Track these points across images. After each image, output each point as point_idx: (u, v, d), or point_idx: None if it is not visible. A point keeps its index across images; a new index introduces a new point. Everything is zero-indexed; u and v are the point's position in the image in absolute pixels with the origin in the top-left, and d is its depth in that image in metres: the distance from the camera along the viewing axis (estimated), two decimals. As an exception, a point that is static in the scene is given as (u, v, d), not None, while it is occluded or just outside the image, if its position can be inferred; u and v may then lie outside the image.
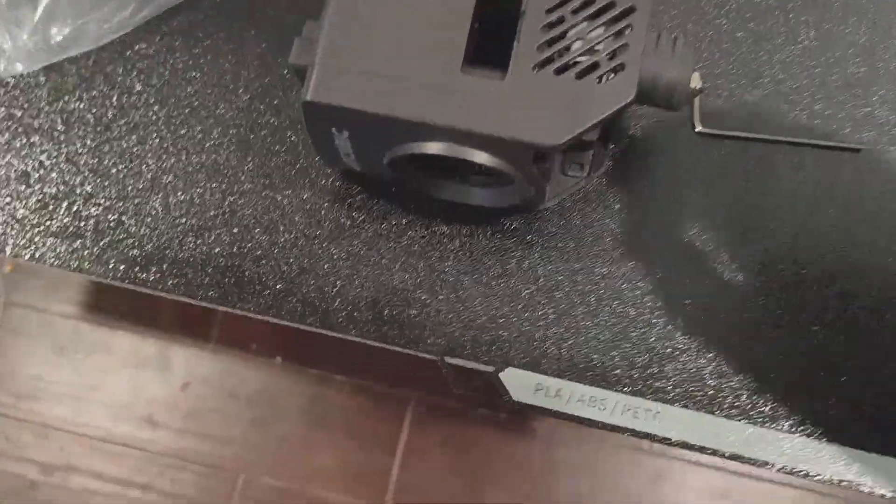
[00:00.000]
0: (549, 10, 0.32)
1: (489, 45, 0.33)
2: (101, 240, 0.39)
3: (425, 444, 0.85)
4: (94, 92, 0.42)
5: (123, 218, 0.39)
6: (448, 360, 0.37)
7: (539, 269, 0.38)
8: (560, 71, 0.31)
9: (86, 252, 0.39)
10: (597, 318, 0.37)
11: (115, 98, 0.41)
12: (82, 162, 0.40)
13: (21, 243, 0.39)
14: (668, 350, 0.37)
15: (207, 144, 0.41)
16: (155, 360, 0.88)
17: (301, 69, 0.34)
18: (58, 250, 0.39)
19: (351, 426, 0.86)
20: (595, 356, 0.37)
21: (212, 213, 0.39)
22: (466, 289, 0.38)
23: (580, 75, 0.31)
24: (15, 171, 0.40)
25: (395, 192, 0.39)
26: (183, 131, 0.41)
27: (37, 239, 0.39)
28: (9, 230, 0.39)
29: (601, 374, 0.36)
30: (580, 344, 0.37)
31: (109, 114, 0.41)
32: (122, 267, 0.39)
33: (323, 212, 0.39)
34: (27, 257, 0.39)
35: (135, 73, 0.42)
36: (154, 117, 0.41)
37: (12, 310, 0.91)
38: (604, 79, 0.32)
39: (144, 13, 0.42)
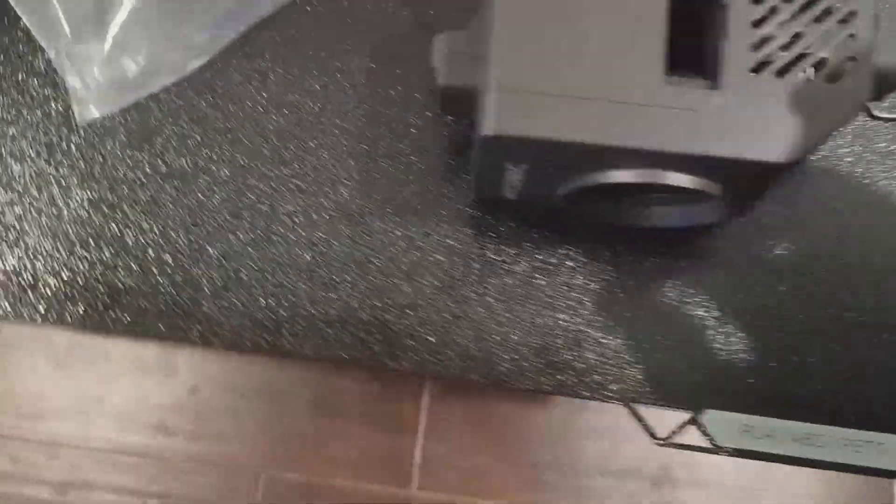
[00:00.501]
0: (757, 1, 0.27)
1: (681, 46, 0.28)
2: (220, 303, 0.34)
3: (446, 423, 0.83)
4: (183, 131, 0.36)
5: (241, 275, 0.34)
6: (636, 406, 0.33)
7: (722, 292, 0.34)
8: (783, 72, 0.27)
9: (204, 319, 0.34)
10: (798, 344, 0.33)
11: (207, 136, 0.36)
12: (181, 214, 0.35)
13: (125, 320, 0.34)
14: (885, 373, 0.32)
15: (323, 180, 0.35)
16: (158, 366, 0.84)
17: (456, 91, 0.29)
18: (172, 322, 0.34)
19: (368, 412, 0.84)
20: (803, 387, 0.32)
21: (342, 261, 0.34)
22: (643, 321, 0.34)
23: (807, 75, 0.27)
24: (105, 231, 0.35)
25: (544, 218, 0.34)
26: (293, 168, 0.36)
27: (144, 314, 0.34)
28: (112, 304, 0.34)
29: (813, 407, 0.32)
30: (785, 375, 0.33)
31: (204, 154, 0.36)
32: (250, 334, 0.33)
33: (468, 248, 0.34)
34: (134, 335, 0.33)
35: (226, 103, 0.36)
36: (256, 153, 0.36)
37: (4, 326, 0.86)
38: (834, 77, 0.27)
39: (228, 32, 0.37)
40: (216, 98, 0.36)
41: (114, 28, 0.35)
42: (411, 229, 0.35)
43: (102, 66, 0.35)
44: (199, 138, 0.36)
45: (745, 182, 0.28)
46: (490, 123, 0.26)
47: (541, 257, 0.34)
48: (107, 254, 0.35)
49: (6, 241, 0.35)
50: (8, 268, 0.34)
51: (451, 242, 0.35)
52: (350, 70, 0.37)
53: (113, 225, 0.35)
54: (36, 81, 0.36)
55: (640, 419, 0.33)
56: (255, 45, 0.37)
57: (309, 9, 0.37)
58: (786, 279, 0.34)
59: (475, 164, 0.31)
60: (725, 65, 0.27)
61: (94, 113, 0.35)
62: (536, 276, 0.34)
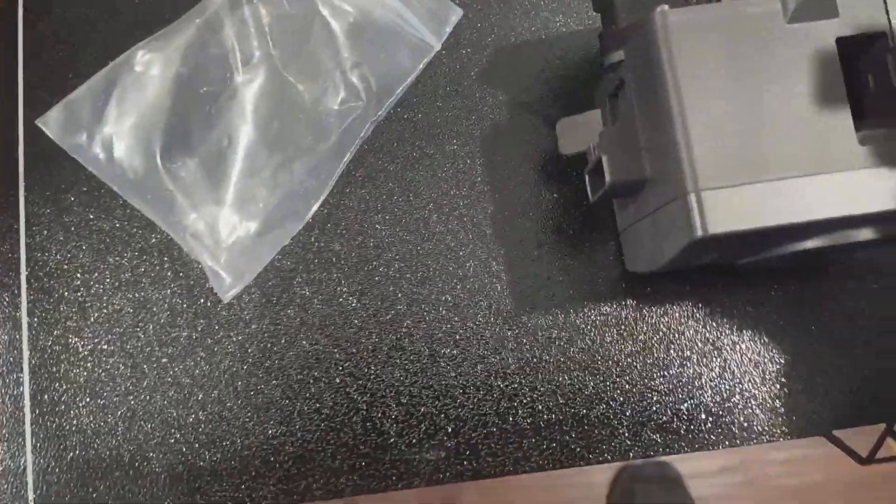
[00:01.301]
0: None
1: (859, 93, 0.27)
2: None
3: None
4: (317, 277, 0.34)
5: (421, 411, 0.33)
6: (836, 432, 0.33)
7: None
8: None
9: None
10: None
11: (342, 274, 0.34)
12: (342, 364, 0.34)
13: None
14: None
15: (474, 290, 0.34)
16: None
17: (623, 185, 0.29)
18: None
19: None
20: None
21: (515, 367, 0.33)
22: (817, 348, 0.34)
23: None
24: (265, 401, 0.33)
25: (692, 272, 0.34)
26: (436, 285, 0.34)
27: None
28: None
29: None
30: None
31: (343, 292, 0.34)
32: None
33: (633, 322, 0.34)
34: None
35: (352, 236, 0.35)
36: (396, 279, 0.34)
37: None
38: None
39: (335, 165, 0.35)
40: (340, 233, 0.35)
41: (229, 186, 0.33)
42: (571, 316, 0.34)
43: (228, 229, 0.33)
44: (336, 278, 0.34)
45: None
46: (699, 226, 0.26)
47: (705, 310, 0.34)
48: (264, 455, 0.33)
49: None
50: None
51: (613, 319, 0.34)
52: (464, 169, 0.35)
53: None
54: (164, 262, 0.34)
55: (841, 445, 0.33)
56: (363, 169, 0.35)
57: (406, 117, 0.36)
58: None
59: (647, 250, 0.30)
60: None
61: (234, 289, 0.33)
62: (711, 330, 0.34)
